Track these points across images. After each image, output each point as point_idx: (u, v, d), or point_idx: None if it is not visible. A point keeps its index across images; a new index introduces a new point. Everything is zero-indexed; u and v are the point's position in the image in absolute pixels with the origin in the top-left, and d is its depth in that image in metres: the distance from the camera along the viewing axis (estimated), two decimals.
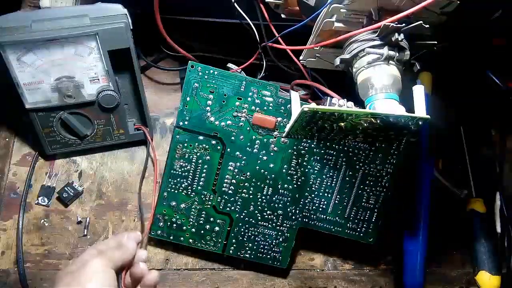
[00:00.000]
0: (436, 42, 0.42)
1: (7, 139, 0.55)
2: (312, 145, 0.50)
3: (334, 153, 0.50)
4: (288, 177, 0.50)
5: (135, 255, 0.41)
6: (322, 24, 0.40)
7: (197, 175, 0.50)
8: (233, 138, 0.49)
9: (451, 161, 0.60)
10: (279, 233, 0.52)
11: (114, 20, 0.45)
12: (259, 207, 0.51)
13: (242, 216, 0.51)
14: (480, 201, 0.59)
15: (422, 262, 0.54)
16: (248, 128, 0.49)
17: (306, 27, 0.43)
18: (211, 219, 0.51)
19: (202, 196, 0.51)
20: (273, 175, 0.50)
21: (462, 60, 0.59)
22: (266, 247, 0.52)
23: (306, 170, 0.50)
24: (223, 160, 0.50)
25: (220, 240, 0.52)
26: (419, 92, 0.40)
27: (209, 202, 0.51)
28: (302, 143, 0.49)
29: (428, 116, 0.38)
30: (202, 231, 0.51)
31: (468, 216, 0.58)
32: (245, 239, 0.52)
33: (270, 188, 0.51)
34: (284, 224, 0.52)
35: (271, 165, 0.50)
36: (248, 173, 0.50)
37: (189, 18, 0.54)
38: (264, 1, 0.48)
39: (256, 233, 0.52)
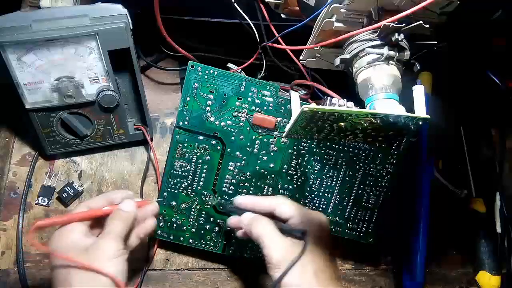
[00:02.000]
0: (436, 42, 0.42)
1: (7, 139, 0.55)
2: (312, 145, 0.50)
3: (334, 153, 0.50)
4: (288, 177, 0.50)
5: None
6: (322, 24, 0.40)
7: (197, 175, 0.50)
8: (233, 138, 0.49)
9: (451, 161, 0.60)
10: None
11: (114, 20, 0.45)
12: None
13: None
14: (480, 201, 0.59)
15: (422, 262, 0.54)
16: (248, 128, 0.49)
17: (306, 27, 0.43)
18: (211, 219, 0.51)
19: (202, 196, 0.51)
20: (273, 175, 0.50)
21: (462, 60, 0.59)
22: None
23: (306, 170, 0.50)
24: (223, 160, 0.50)
25: (220, 240, 0.52)
26: (419, 92, 0.40)
27: (209, 202, 0.51)
28: (302, 143, 0.49)
29: (428, 116, 0.38)
30: (202, 231, 0.51)
31: (468, 216, 0.58)
32: (245, 239, 0.52)
33: (270, 188, 0.51)
34: None
35: (271, 165, 0.50)
36: (248, 173, 0.50)
37: (189, 18, 0.54)
38: (264, 1, 0.48)
39: None
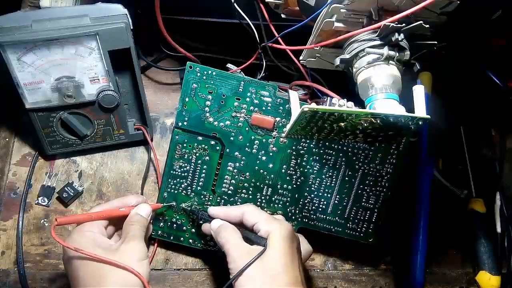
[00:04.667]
0: (436, 42, 0.42)
1: (7, 139, 0.55)
2: (311, 145, 0.50)
3: (333, 152, 0.50)
4: (288, 177, 0.50)
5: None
6: (322, 24, 0.40)
7: (197, 176, 0.50)
8: (232, 138, 0.49)
9: (451, 161, 0.60)
10: None
11: (114, 20, 0.45)
12: (259, 208, 0.51)
13: None
14: (480, 201, 0.59)
15: (422, 262, 0.54)
16: (247, 129, 0.49)
17: (306, 27, 0.43)
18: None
19: (202, 197, 0.51)
20: (272, 175, 0.50)
21: (462, 60, 0.59)
22: None
23: (306, 170, 0.50)
24: (222, 160, 0.50)
25: None
26: (419, 92, 0.40)
27: (209, 202, 0.51)
28: (301, 143, 0.49)
29: (428, 116, 0.38)
30: (202, 231, 0.51)
31: (468, 216, 0.58)
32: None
33: (269, 188, 0.51)
34: None
35: (270, 165, 0.50)
36: (247, 173, 0.50)
37: (189, 18, 0.54)
38: (264, 1, 0.48)
39: None
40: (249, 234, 0.43)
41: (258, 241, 0.42)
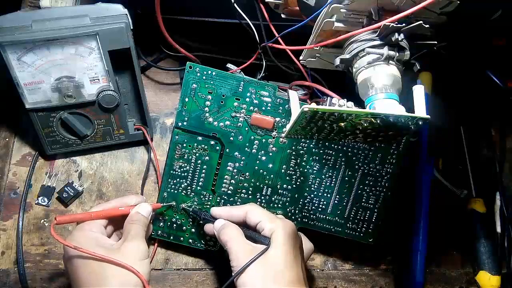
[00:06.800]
0: (436, 42, 0.42)
1: (7, 139, 0.55)
2: (311, 145, 0.50)
3: (333, 152, 0.50)
4: (287, 177, 0.50)
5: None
6: (322, 24, 0.40)
7: (196, 176, 0.50)
8: (231, 138, 0.49)
9: (451, 161, 0.60)
10: None
11: (115, 20, 0.45)
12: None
13: None
14: (480, 201, 0.59)
15: (422, 262, 0.54)
16: (246, 129, 0.49)
17: (306, 27, 0.43)
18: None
19: (202, 197, 0.51)
20: (272, 175, 0.50)
21: (462, 60, 0.59)
22: None
23: (305, 170, 0.50)
24: (222, 160, 0.50)
25: None
26: (419, 92, 0.40)
27: (209, 203, 0.51)
28: (301, 143, 0.49)
29: (428, 116, 0.38)
30: (202, 231, 0.51)
31: (468, 216, 0.58)
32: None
33: (269, 188, 0.51)
34: None
35: (270, 165, 0.50)
36: (247, 173, 0.50)
37: (189, 18, 0.54)
38: (264, 1, 0.48)
39: None
40: (252, 234, 0.44)
41: (261, 240, 0.42)
